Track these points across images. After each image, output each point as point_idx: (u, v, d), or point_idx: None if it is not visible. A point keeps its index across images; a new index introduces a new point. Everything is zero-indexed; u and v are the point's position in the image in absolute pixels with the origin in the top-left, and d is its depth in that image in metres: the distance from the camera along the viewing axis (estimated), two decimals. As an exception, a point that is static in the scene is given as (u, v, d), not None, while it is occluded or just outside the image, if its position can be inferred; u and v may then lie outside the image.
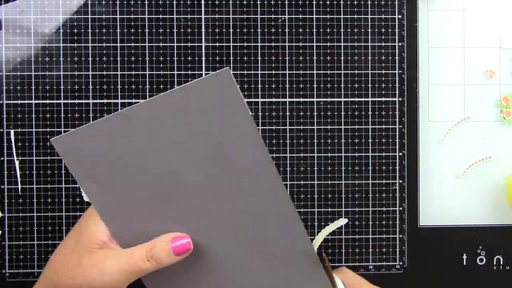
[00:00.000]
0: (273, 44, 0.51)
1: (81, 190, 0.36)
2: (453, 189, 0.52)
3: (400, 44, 0.52)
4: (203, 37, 0.51)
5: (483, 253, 0.52)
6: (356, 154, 0.52)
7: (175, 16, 0.51)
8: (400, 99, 0.52)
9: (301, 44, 0.51)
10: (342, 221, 0.41)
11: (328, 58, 0.51)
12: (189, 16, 0.51)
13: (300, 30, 0.51)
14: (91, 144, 0.35)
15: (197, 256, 0.38)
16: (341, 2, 0.51)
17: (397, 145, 0.52)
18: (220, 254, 0.38)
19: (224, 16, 0.51)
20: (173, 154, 0.35)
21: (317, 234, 0.43)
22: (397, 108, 0.52)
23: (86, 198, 0.36)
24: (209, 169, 0.35)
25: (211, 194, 0.36)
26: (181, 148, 0.35)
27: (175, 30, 0.51)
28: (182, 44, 0.51)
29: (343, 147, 0.51)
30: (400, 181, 0.52)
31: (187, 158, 0.35)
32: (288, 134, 0.51)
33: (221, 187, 0.36)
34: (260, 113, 0.51)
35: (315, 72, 0.51)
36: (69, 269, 0.36)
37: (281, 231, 0.37)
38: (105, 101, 0.51)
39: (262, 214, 0.37)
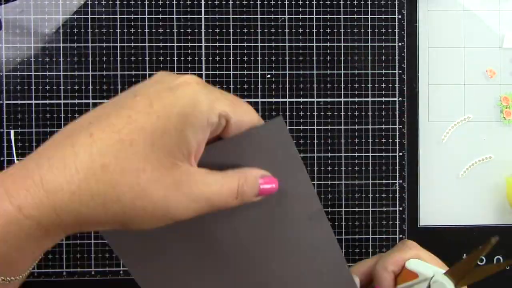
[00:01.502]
0: (273, 44, 0.51)
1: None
2: (453, 189, 0.52)
3: (400, 44, 0.52)
4: (203, 37, 0.51)
5: (483, 253, 0.52)
6: (356, 154, 0.52)
7: (175, 16, 0.51)
8: (400, 99, 0.52)
9: (301, 44, 0.51)
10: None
11: (328, 58, 0.51)
12: (189, 16, 0.51)
13: (300, 30, 0.51)
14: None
15: None
16: (341, 2, 0.51)
17: (397, 145, 0.52)
18: None
19: (224, 16, 0.51)
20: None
21: None
22: (397, 108, 0.52)
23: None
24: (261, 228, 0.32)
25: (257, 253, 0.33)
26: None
27: (175, 30, 0.51)
28: (182, 44, 0.51)
29: (343, 147, 0.51)
30: (400, 181, 0.52)
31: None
32: (288, 134, 0.51)
33: (269, 242, 0.32)
34: (260, 113, 0.51)
35: (315, 72, 0.51)
36: (141, 183, 0.23)
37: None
38: (105, 101, 0.51)
39: (310, 271, 0.33)
